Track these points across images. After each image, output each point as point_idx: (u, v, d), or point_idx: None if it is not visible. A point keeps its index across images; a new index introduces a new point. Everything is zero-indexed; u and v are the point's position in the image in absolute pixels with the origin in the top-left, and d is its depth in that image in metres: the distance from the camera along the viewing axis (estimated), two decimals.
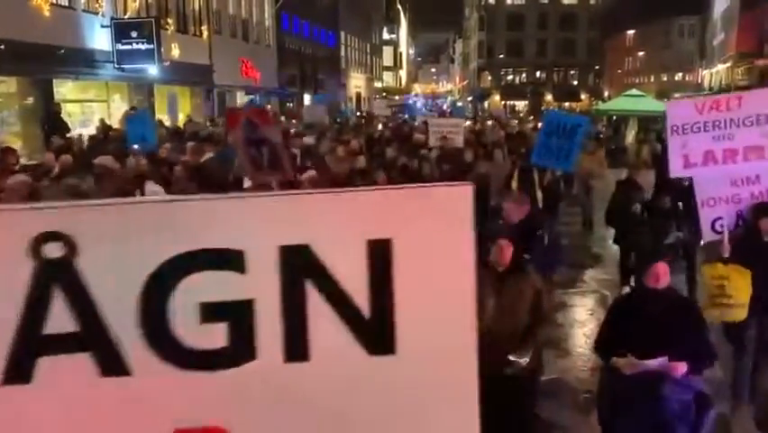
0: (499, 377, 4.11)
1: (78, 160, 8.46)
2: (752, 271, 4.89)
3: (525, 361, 4.25)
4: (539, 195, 8.97)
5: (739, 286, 4.91)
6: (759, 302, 4.97)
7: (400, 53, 70.77)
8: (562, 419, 5.35)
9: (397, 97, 41.21)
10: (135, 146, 9.94)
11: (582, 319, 7.87)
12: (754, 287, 4.90)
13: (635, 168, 8.94)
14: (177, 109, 22.16)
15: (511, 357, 4.19)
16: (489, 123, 22.10)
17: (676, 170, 5.46)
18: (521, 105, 63.43)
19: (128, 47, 17.90)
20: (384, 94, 43.33)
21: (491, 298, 4.21)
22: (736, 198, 5.38)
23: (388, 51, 64.51)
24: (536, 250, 5.28)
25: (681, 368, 3.71)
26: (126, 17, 18.84)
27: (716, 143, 5.20)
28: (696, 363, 3.81)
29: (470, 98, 40.50)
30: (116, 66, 18.05)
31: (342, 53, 46.49)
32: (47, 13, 15.44)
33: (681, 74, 67.68)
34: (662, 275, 3.91)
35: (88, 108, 18.32)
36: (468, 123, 15.77)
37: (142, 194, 7.27)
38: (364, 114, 34.71)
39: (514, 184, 9.22)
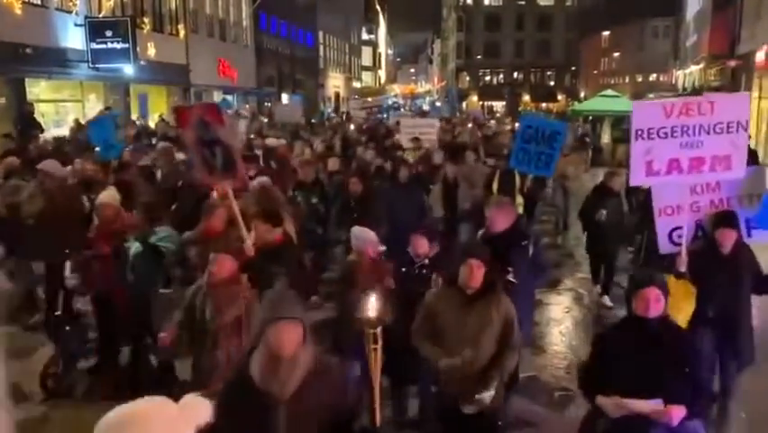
0: (459, 415, 3.88)
1: (36, 162, 8.14)
2: (710, 287, 4.64)
3: (489, 396, 3.83)
4: (519, 200, 8.77)
5: (679, 305, 4.47)
6: (718, 320, 4.74)
7: (379, 53, 70.82)
8: (537, 417, 5.40)
9: (370, 99, 39.95)
10: (97, 149, 9.64)
11: (558, 318, 7.95)
12: (713, 303, 4.68)
13: (612, 174, 8.66)
14: (148, 109, 21.68)
15: (476, 396, 3.81)
16: (470, 125, 22.15)
17: (637, 178, 4.98)
18: (499, 105, 63.77)
19: (103, 46, 17.69)
20: (356, 96, 42.37)
21: (455, 324, 3.86)
22: (695, 207, 5.06)
23: (366, 52, 64.50)
24: (519, 263, 4.90)
25: (679, 413, 3.13)
26: (101, 16, 18.61)
27: (683, 151, 4.76)
28: (693, 405, 3.21)
29: (445, 98, 40.05)
30: (91, 65, 17.82)
31: (321, 53, 46.37)
32: (18, 12, 15.18)
33: (655, 75, 68.55)
34: (652, 302, 3.30)
35: (63, 108, 18.06)
36: (439, 123, 15.40)
37: (90, 201, 7.04)
38: (341, 113, 34.32)
39: (494, 187, 8.97)
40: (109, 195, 6.01)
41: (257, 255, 5.02)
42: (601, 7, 70.22)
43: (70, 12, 17.43)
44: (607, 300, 8.26)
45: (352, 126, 20.73)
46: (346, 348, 4.52)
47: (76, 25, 17.45)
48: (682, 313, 4.57)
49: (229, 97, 28.94)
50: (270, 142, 12.95)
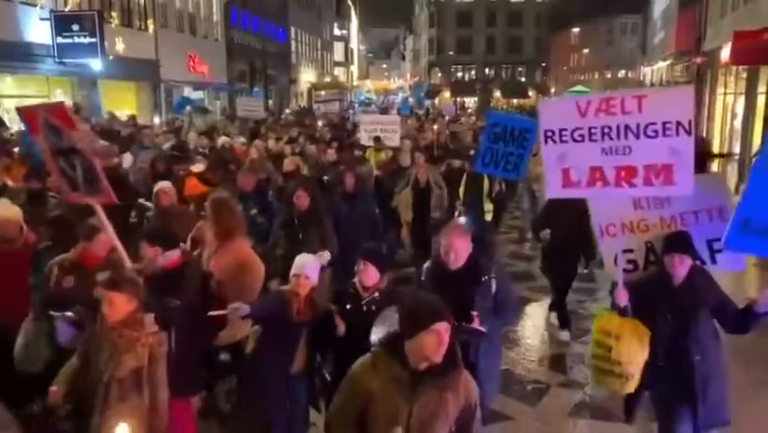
0: None
1: None
2: (658, 328, 3.89)
3: None
4: (488, 206, 8.42)
5: (631, 351, 3.87)
6: (670, 372, 3.94)
7: (351, 49, 70.58)
8: (510, 410, 5.48)
9: (323, 93, 38.12)
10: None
11: (530, 312, 8.05)
12: (662, 348, 3.92)
13: None
14: (99, 104, 20.32)
15: None
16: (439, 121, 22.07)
17: (553, 189, 4.10)
18: (471, 101, 64.16)
19: (69, 41, 17.36)
20: (322, 93, 41.04)
21: (395, 412, 2.75)
22: (642, 225, 4.22)
23: (338, 47, 64.23)
24: (483, 306, 4.02)
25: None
26: (67, 10, 18.25)
27: (606, 159, 3.89)
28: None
29: (414, 97, 39.13)
30: (57, 60, 17.46)
31: (293, 48, 46.06)
32: None
33: (623, 71, 69.71)
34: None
35: (28, 104, 17.65)
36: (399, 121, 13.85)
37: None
38: (303, 108, 33.21)
39: (461, 192, 8.42)
40: (5, 208, 5.00)
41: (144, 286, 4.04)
42: (570, 4, 71.08)
43: (35, 5, 17.06)
44: (566, 336, 7.03)
45: (320, 123, 20.04)
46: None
47: (41, 19, 17.08)
48: (634, 363, 3.87)
49: (200, 93, 28.59)
50: (224, 140, 12.25)
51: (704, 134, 21.83)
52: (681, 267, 3.89)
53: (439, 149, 13.10)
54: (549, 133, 3.97)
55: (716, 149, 19.44)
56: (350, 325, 4.01)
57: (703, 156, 16.53)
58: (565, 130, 3.92)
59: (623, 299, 3.98)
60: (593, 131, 3.88)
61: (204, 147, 11.35)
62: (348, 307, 4.11)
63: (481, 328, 3.83)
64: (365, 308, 4.04)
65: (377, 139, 11.52)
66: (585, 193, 4.05)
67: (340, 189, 7.56)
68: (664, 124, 3.77)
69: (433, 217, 8.32)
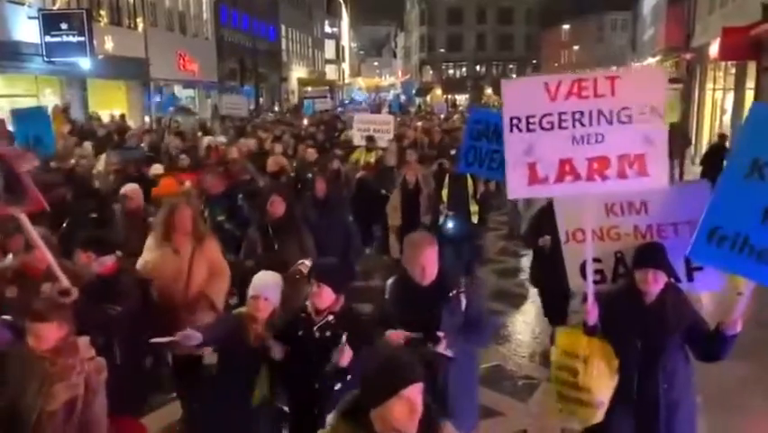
0: None
1: None
2: (626, 350, 3.52)
3: None
4: (473, 207, 8.00)
5: (601, 374, 3.49)
6: (637, 400, 3.54)
7: (342, 47, 70.44)
8: (501, 406, 5.50)
9: (310, 89, 37.28)
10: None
11: (521, 307, 8.08)
12: (629, 373, 3.52)
13: None
14: (84, 102, 19.93)
15: None
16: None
17: (518, 188, 3.55)
18: (462, 98, 64.21)
19: (58, 39, 17.24)
20: (309, 88, 40.55)
21: None
22: (613, 234, 3.77)
23: (330, 45, 64.08)
24: (450, 317, 3.60)
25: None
26: (55, 8, 18.11)
27: (577, 149, 3.44)
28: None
29: (406, 94, 38.55)
30: (46, 59, 17.34)
31: (284, 46, 45.94)
32: None
33: (614, 67, 69.86)
34: None
35: (16, 103, 17.53)
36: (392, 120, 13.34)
37: None
38: (290, 105, 32.63)
39: (444, 193, 8.01)
40: None
41: (82, 295, 3.84)
42: (560, 1, 71.23)
43: (23, 4, 16.93)
44: None
45: (305, 121, 19.78)
46: None
47: (29, 18, 16.95)
48: (604, 388, 3.51)
49: (190, 92, 28.47)
50: (208, 140, 11.99)
51: (694, 130, 21.97)
52: (654, 284, 3.47)
53: (432, 147, 12.93)
54: (515, 121, 3.42)
55: (705, 143, 19.56)
56: (301, 353, 3.55)
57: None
58: (533, 117, 3.39)
59: (592, 316, 3.57)
60: (563, 117, 3.39)
61: (177, 147, 11.02)
62: (299, 333, 3.61)
63: (448, 353, 3.46)
64: (317, 333, 3.58)
65: (370, 138, 11.20)
66: (553, 190, 3.56)
67: (310, 194, 7.04)
68: (639, 107, 3.41)
69: (423, 223, 7.93)
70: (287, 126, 16.91)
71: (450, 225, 7.91)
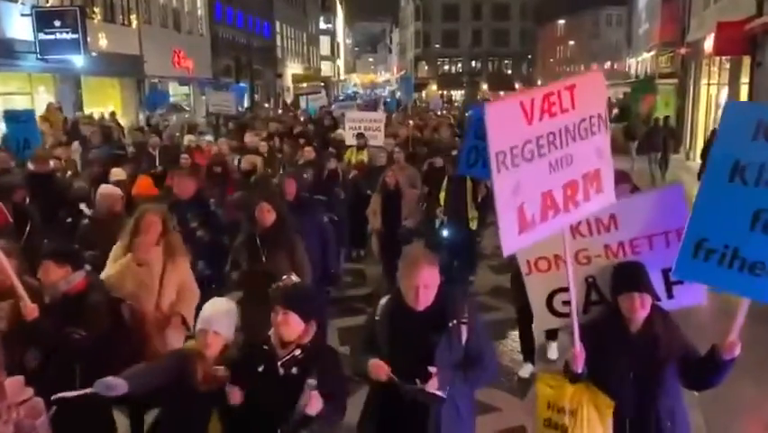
0: None
1: None
2: (612, 386, 3.15)
3: None
4: (472, 213, 7.56)
5: (592, 425, 3.14)
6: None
7: (337, 43, 70.36)
8: (498, 402, 5.50)
9: (305, 85, 36.82)
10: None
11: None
12: (618, 413, 3.16)
13: None
14: (79, 100, 19.68)
15: None
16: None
17: (510, 239, 2.85)
18: (458, 94, 64.25)
19: (51, 37, 17.15)
20: (304, 85, 40.16)
21: None
22: (582, 257, 3.35)
23: (324, 41, 64.02)
24: (446, 352, 3.05)
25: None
26: (48, 5, 18.03)
27: (554, 176, 2.94)
28: None
29: (404, 91, 38.11)
30: (39, 57, 17.26)
31: (278, 43, 45.85)
32: None
33: (609, 63, 69.95)
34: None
35: (10, 101, 17.46)
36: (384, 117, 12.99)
37: None
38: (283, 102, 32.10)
39: (442, 197, 7.58)
40: None
41: (44, 316, 3.48)
42: None
43: (16, 1, 16.83)
44: (527, 371, 5.99)
45: (301, 119, 19.42)
46: None
47: (22, 15, 16.87)
48: None
49: (185, 89, 28.36)
50: (189, 139, 11.69)
51: (689, 125, 22.02)
52: (641, 310, 3.11)
53: (422, 145, 12.52)
54: (500, 157, 2.75)
55: (700, 139, 19.61)
56: (261, 395, 2.93)
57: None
58: (516, 147, 2.79)
59: (579, 362, 3.12)
60: (541, 142, 2.86)
61: (155, 146, 10.64)
62: (259, 369, 3.00)
63: (439, 393, 2.94)
64: (282, 370, 2.98)
65: (359, 136, 10.84)
66: (541, 232, 2.95)
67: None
68: (591, 118, 3.03)
69: (404, 226, 7.68)
70: (279, 123, 16.59)
71: (445, 231, 7.47)
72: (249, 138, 11.97)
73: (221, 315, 3.28)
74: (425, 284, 3.03)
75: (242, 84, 31.93)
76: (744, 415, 5.20)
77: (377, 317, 3.24)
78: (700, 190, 2.96)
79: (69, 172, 8.51)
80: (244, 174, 8.48)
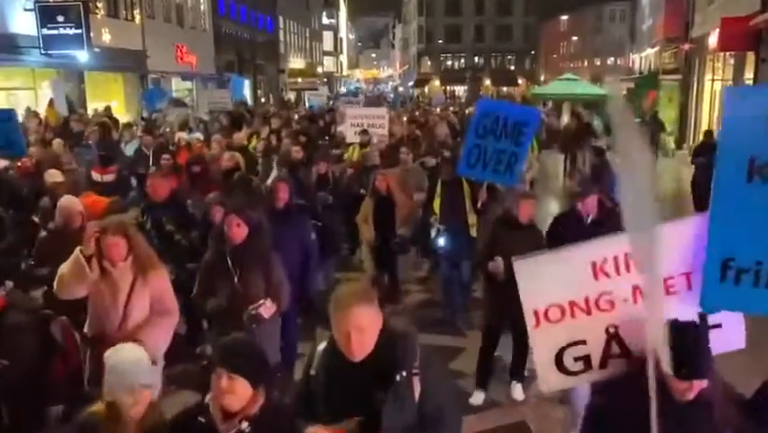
0: None
1: None
2: None
3: None
4: (471, 218, 6.60)
5: None
6: None
7: (340, 38, 70.25)
8: (500, 396, 5.52)
9: (300, 80, 36.10)
10: None
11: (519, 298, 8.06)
12: None
13: (576, 194, 5.51)
14: (82, 95, 19.39)
15: None
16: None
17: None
18: (460, 90, 64.14)
19: (54, 32, 17.15)
20: (299, 80, 39.38)
21: None
22: (605, 302, 2.84)
23: (327, 36, 63.93)
24: (395, 413, 2.44)
25: None
26: (52, 0, 18.02)
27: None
28: None
29: (403, 87, 37.50)
30: (43, 52, 17.27)
31: (281, 38, 45.80)
32: None
33: (612, 58, 69.81)
34: None
35: (14, 97, 17.48)
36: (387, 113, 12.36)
37: None
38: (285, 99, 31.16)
39: (436, 204, 6.80)
40: None
41: None
42: None
43: None
44: (479, 399, 5.43)
45: (296, 116, 18.93)
46: None
47: (25, 10, 16.87)
48: None
49: (188, 84, 28.30)
50: (181, 137, 11.17)
51: (692, 121, 21.98)
52: (692, 392, 2.48)
53: (417, 144, 11.36)
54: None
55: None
56: None
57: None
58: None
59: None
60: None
61: (148, 146, 10.20)
62: None
63: None
64: None
65: (364, 133, 10.25)
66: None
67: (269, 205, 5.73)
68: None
69: (399, 235, 7.09)
70: (278, 119, 15.86)
71: (442, 240, 6.74)
72: (235, 136, 11.30)
73: (138, 363, 2.74)
74: (358, 328, 2.42)
75: (241, 77, 31.60)
76: None
77: (312, 371, 2.64)
78: (715, 199, 2.54)
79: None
80: (225, 173, 7.75)
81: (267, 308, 4.19)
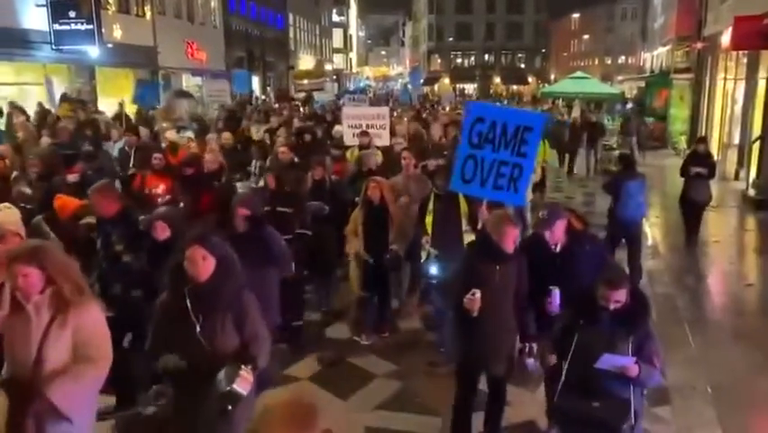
0: None
1: None
2: None
3: None
4: (469, 240, 5.25)
5: None
6: None
7: (350, 35, 70.23)
8: (509, 395, 5.48)
9: (306, 81, 35.38)
10: None
11: None
12: None
13: (543, 221, 4.47)
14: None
15: None
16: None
17: None
18: (470, 88, 64.01)
19: (66, 27, 17.25)
20: (305, 81, 38.78)
21: None
22: None
23: (337, 33, 63.95)
24: None
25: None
26: None
27: None
28: None
29: (413, 84, 36.91)
30: (54, 47, 17.36)
31: (291, 35, 45.86)
32: None
33: (624, 57, 69.47)
34: None
35: (25, 92, 17.58)
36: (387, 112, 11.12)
37: None
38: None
39: (428, 221, 5.93)
40: None
41: None
42: None
43: None
44: None
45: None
46: None
47: (37, 5, 16.96)
48: None
49: (198, 80, 28.31)
50: (170, 136, 10.66)
51: (704, 120, 21.82)
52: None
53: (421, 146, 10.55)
54: None
55: (715, 134, 19.44)
56: None
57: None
58: None
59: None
60: None
61: (131, 145, 9.51)
62: None
63: None
64: None
65: (364, 134, 9.47)
66: None
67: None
68: None
69: (392, 250, 6.13)
70: (279, 116, 15.39)
71: (433, 268, 5.81)
72: (224, 136, 10.49)
73: None
74: None
75: (244, 71, 31.09)
76: (757, 410, 5.16)
77: None
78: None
79: (15, 173, 7.45)
80: (208, 175, 7.15)
81: (245, 380, 3.06)
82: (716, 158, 14.19)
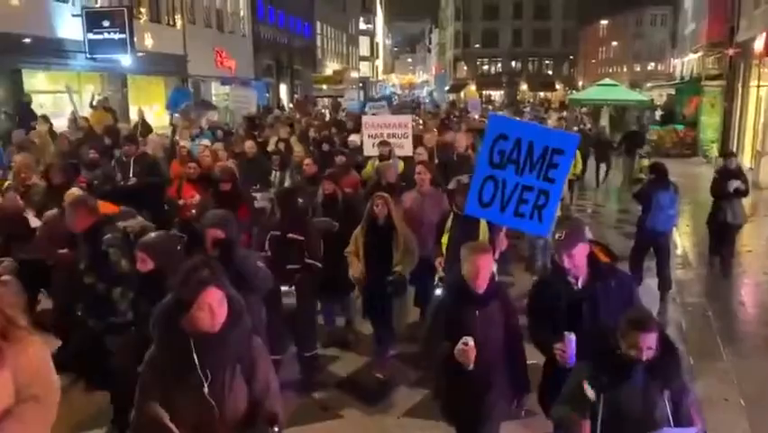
0: None
1: None
2: None
3: None
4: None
5: None
6: None
7: (377, 43, 70.55)
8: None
9: (325, 87, 34.46)
10: None
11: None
12: None
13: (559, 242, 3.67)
14: (124, 98, 19.17)
15: None
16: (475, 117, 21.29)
17: None
18: (497, 94, 63.80)
19: (100, 36, 17.64)
20: (324, 87, 38.05)
21: None
22: None
23: (364, 41, 64.29)
24: None
25: None
26: (98, 6, 18.55)
27: None
28: None
29: (437, 91, 36.06)
30: (88, 56, 17.78)
31: (318, 43, 46.24)
32: (15, 2, 15.12)
33: (653, 63, 68.61)
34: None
35: (59, 99, 18.01)
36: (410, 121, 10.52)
37: None
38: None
39: (444, 241, 5.52)
40: None
41: None
42: None
43: (67, 1, 17.38)
44: None
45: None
46: None
47: (73, 15, 17.40)
48: None
49: (226, 88, 28.67)
50: (184, 143, 10.43)
51: (736, 128, 21.44)
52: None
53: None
54: None
55: (748, 142, 19.08)
56: None
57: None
58: None
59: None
60: None
61: (129, 155, 9.04)
62: None
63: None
64: None
65: (383, 144, 8.92)
66: None
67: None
68: None
69: (396, 272, 5.53)
70: (289, 126, 14.63)
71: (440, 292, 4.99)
72: (247, 145, 10.04)
73: None
74: None
75: (261, 82, 31.13)
76: None
77: None
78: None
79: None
80: (223, 195, 6.77)
81: None
82: (749, 166, 13.93)
